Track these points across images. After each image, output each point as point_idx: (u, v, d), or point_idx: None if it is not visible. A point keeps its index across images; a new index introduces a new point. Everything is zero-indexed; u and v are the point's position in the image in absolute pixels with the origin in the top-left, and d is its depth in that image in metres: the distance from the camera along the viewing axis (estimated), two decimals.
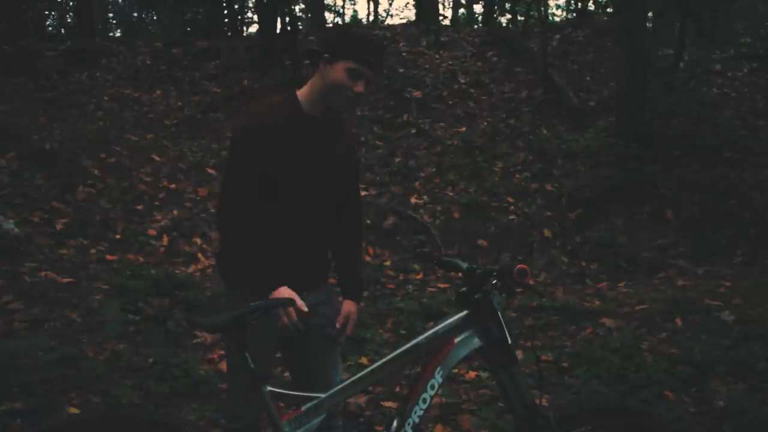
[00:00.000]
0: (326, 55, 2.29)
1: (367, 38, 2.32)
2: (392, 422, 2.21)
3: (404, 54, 12.82)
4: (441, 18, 22.11)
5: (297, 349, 2.46)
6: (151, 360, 4.19)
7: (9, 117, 8.88)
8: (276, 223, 2.32)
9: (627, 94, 8.68)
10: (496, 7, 18.72)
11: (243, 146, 2.26)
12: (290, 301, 2.23)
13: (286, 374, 4.08)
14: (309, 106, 2.33)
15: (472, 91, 11.25)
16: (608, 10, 15.66)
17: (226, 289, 2.43)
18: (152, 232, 7.32)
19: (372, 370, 2.19)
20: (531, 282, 2.25)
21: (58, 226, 6.91)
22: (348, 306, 2.52)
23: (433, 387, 2.21)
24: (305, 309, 2.21)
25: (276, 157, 2.25)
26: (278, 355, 2.55)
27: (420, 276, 6.89)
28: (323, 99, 2.30)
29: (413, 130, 10.17)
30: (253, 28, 20.20)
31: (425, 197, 8.56)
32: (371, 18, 29.46)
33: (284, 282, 2.28)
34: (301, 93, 2.36)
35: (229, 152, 2.35)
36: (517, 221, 7.95)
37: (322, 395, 2.16)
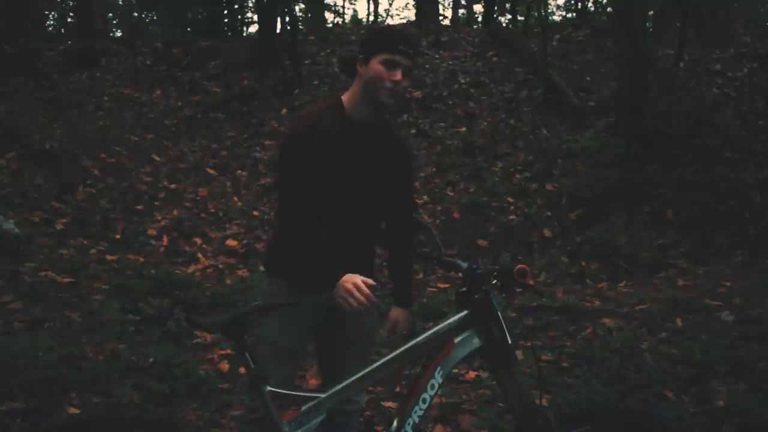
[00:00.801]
0: (361, 56, 2.32)
1: (397, 29, 2.36)
2: (392, 422, 2.21)
3: None
4: (441, 18, 22.13)
5: (327, 346, 2.52)
6: (151, 360, 4.19)
7: (9, 117, 8.88)
8: (321, 222, 2.33)
9: (627, 94, 8.68)
10: (496, 7, 18.72)
11: (292, 151, 2.30)
12: (293, 302, 2.29)
13: None
14: (353, 110, 2.35)
15: (472, 91, 11.25)
16: (608, 9, 15.67)
17: (279, 286, 2.43)
18: (152, 232, 7.32)
19: (372, 370, 2.19)
20: (531, 282, 2.25)
21: (58, 226, 6.91)
22: (396, 313, 2.58)
23: (433, 387, 2.21)
24: (372, 283, 2.16)
25: (323, 161, 2.29)
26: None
27: (420, 276, 6.89)
28: (367, 98, 2.31)
29: (413, 130, 10.17)
30: (253, 28, 20.22)
31: (425, 197, 8.56)
32: (371, 18, 29.46)
33: (318, 283, 2.27)
34: (345, 98, 2.38)
35: (279, 160, 2.37)
36: (517, 221, 7.95)
37: (322, 395, 2.16)
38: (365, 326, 2.51)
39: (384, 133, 2.42)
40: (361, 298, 2.11)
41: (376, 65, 2.26)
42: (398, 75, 2.25)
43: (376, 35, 2.33)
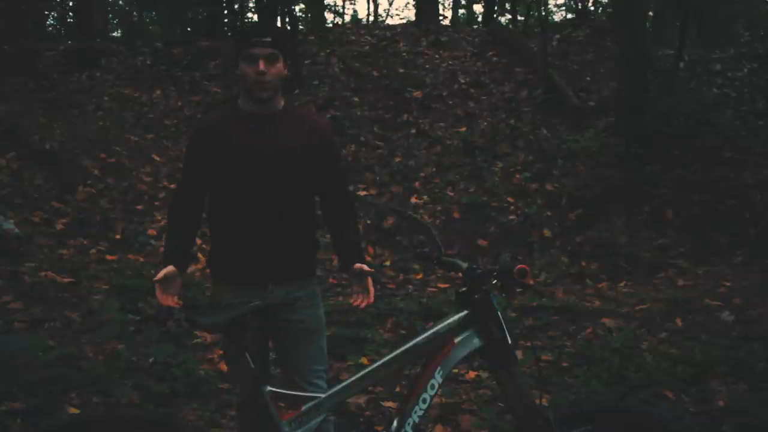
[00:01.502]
0: (235, 63, 2.48)
1: (245, 27, 2.47)
2: (392, 422, 2.21)
3: (404, 54, 12.83)
4: (441, 18, 22.12)
5: (278, 342, 2.55)
6: (151, 360, 4.19)
7: (9, 117, 8.88)
8: (235, 217, 2.46)
9: (627, 94, 8.68)
10: (496, 7, 18.72)
11: (186, 153, 2.54)
12: (288, 302, 2.29)
13: None
14: (245, 104, 2.49)
15: (472, 91, 11.25)
16: (608, 10, 15.67)
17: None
18: (152, 232, 7.32)
19: (372, 370, 2.19)
20: (531, 282, 2.25)
21: (58, 226, 6.91)
22: (356, 269, 2.54)
23: (433, 387, 2.21)
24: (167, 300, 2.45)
25: (220, 151, 2.43)
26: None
27: (420, 276, 6.89)
28: (247, 94, 2.45)
29: (413, 130, 10.17)
30: None
31: (425, 197, 8.56)
32: (371, 18, 29.47)
33: (249, 274, 2.45)
34: (240, 97, 2.53)
35: (183, 158, 2.62)
36: (517, 221, 7.95)
37: (322, 395, 2.16)
38: (307, 321, 2.52)
39: (286, 119, 2.49)
40: (158, 294, 2.42)
41: (241, 66, 2.41)
42: (260, 65, 2.36)
43: (235, 42, 2.53)
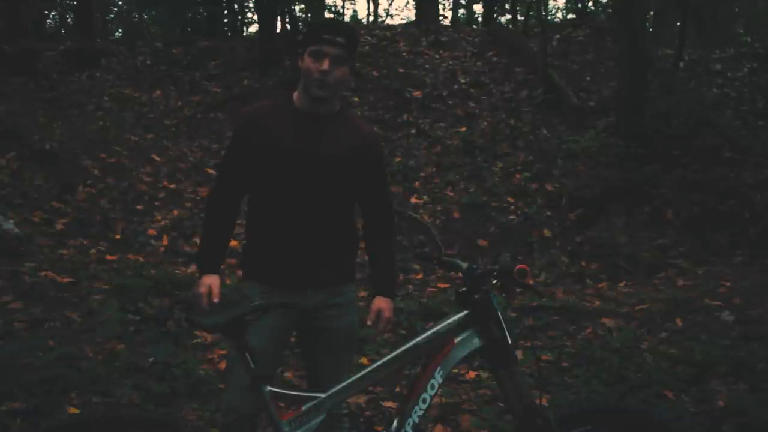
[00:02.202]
0: (300, 51, 2.39)
1: (324, 20, 2.46)
2: (392, 422, 2.21)
3: (404, 54, 12.83)
4: (441, 18, 22.11)
5: (309, 349, 2.52)
6: (151, 360, 4.19)
7: (9, 117, 8.88)
8: (275, 217, 2.40)
9: (627, 94, 8.68)
10: (496, 7, 18.72)
11: (239, 136, 2.43)
12: (293, 303, 2.32)
13: (286, 374, 4.10)
14: (299, 102, 2.42)
15: (472, 91, 11.25)
16: (608, 10, 15.67)
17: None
18: (152, 232, 7.32)
19: (372, 370, 2.19)
20: (531, 282, 2.25)
21: (58, 226, 6.91)
22: (378, 302, 2.54)
23: (433, 387, 2.21)
24: (215, 300, 2.37)
25: (268, 148, 2.36)
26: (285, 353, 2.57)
27: (420, 276, 6.89)
28: (304, 91, 2.37)
29: (413, 130, 10.17)
30: (253, 28, 20.21)
31: (425, 197, 8.56)
32: (371, 18, 29.46)
33: (285, 278, 2.39)
34: (295, 93, 2.45)
35: (226, 148, 2.53)
36: (517, 221, 7.95)
37: (322, 395, 2.16)
38: (344, 329, 2.49)
39: (339, 123, 2.43)
40: (198, 291, 2.34)
41: (306, 59, 2.32)
42: (325, 64, 2.28)
43: (306, 31, 2.43)
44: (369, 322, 2.54)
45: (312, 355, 2.52)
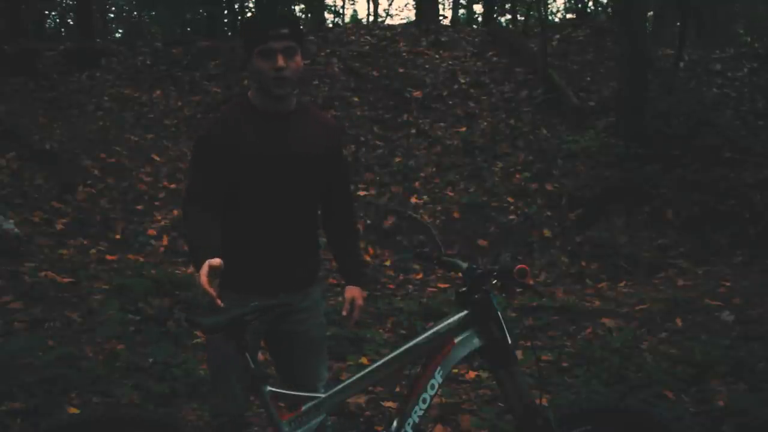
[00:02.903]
0: (246, 57, 2.31)
1: (261, 16, 2.35)
2: (392, 422, 2.21)
3: (404, 54, 12.82)
4: (441, 18, 22.11)
5: (282, 351, 2.49)
6: (151, 360, 4.19)
7: (9, 117, 8.88)
8: (247, 223, 2.34)
9: (627, 94, 8.69)
10: (496, 7, 18.72)
11: (195, 151, 2.33)
12: (288, 302, 2.29)
13: None
14: (257, 101, 2.33)
15: (472, 91, 11.25)
16: (608, 10, 15.67)
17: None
18: (152, 232, 7.32)
19: (372, 370, 2.19)
20: (531, 282, 2.25)
21: (58, 226, 6.91)
22: (351, 292, 2.54)
23: (433, 387, 2.20)
24: (216, 263, 2.06)
25: (234, 155, 2.27)
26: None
27: (420, 276, 6.89)
28: (263, 92, 2.30)
29: (413, 130, 10.17)
30: None
31: (425, 197, 8.56)
32: (371, 18, 29.46)
33: (261, 283, 2.34)
34: (250, 92, 2.38)
35: (191, 158, 2.41)
36: (517, 221, 7.95)
37: (322, 395, 2.16)
38: (313, 331, 2.48)
39: (302, 119, 2.38)
40: (204, 278, 2.04)
41: (256, 61, 2.24)
42: (279, 61, 2.20)
43: (245, 31, 2.30)
44: (344, 312, 2.54)
45: (283, 359, 2.49)
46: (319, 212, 2.57)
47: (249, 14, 17.92)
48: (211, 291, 2.04)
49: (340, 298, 2.57)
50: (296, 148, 2.33)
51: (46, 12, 19.78)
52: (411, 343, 2.21)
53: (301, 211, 2.39)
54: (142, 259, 6.49)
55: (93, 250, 6.53)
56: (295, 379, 2.48)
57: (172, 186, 8.47)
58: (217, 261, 2.04)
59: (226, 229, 2.34)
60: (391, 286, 6.54)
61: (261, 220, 2.33)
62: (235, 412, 2.42)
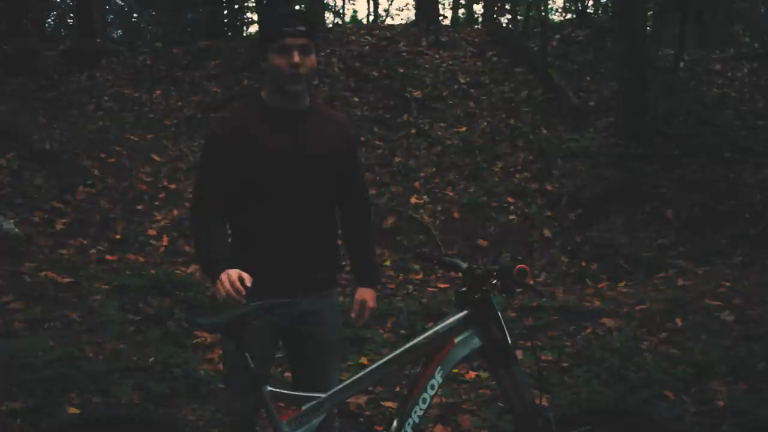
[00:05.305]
0: (260, 54, 2.33)
1: (277, 13, 2.35)
2: (392, 422, 2.21)
3: (404, 54, 12.82)
4: (441, 18, 22.10)
5: (298, 353, 2.48)
6: (151, 360, 4.19)
7: (9, 117, 8.87)
8: (262, 223, 2.33)
9: (627, 94, 8.68)
10: (496, 7, 18.72)
11: (206, 151, 2.35)
12: (289, 302, 2.28)
13: (287, 373, 4.10)
14: (270, 100, 2.35)
15: (472, 91, 11.25)
16: (609, 10, 15.67)
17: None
18: (152, 232, 7.32)
19: (372, 370, 2.19)
20: (531, 282, 2.25)
21: (58, 226, 6.90)
22: (362, 293, 2.55)
23: (433, 387, 2.21)
24: (246, 277, 2.10)
25: (247, 154, 2.28)
26: (278, 355, 2.56)
27: (420, 276, 6.88)
28: (276, 90, 2.31)
29: (413, 130, 10.17)
30: (253, 28, 20.19)
31: (425, 197, 8.56)
32: (371, 18, 29.45)
33: (278, 285, 2.31)
34: (264, 91, 2.39)
35: (200, 158, 2.42)
36: (517, 221, 7.95)
37: (322, 395, 2.16)
38: (331, 334, 2.47)
39: (315, 117, 2.39)
40: (227, 286, 2.06)
41: (271, 57, 2.26)
42: (295, 57, 2.23)
43: (261, 30, 2.37)
44: (353, 314, 2.54)
45: (300, 361, 2.49)
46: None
47: (255, 14, 17.93)
48: (242, 299, 2.07)
49: (341, 299, 2.57)
50: (310, 146, 2.34)
51: (47, 12, 19.77)
52: (411, 343, 2.21)
53: (316, 210, 2.38)
54: (142, 259, 6.50)
55: (93, 250, 6.53)
56: (307, 382, 2.45)
57: (172, 186, 8.47)
58: (247, 277, 2.08)
59: (240, 231, 2.35)
60: (391, 286, 6.54)
61: (276, 220, 2.32)
62: (248, 412, 2.41)
